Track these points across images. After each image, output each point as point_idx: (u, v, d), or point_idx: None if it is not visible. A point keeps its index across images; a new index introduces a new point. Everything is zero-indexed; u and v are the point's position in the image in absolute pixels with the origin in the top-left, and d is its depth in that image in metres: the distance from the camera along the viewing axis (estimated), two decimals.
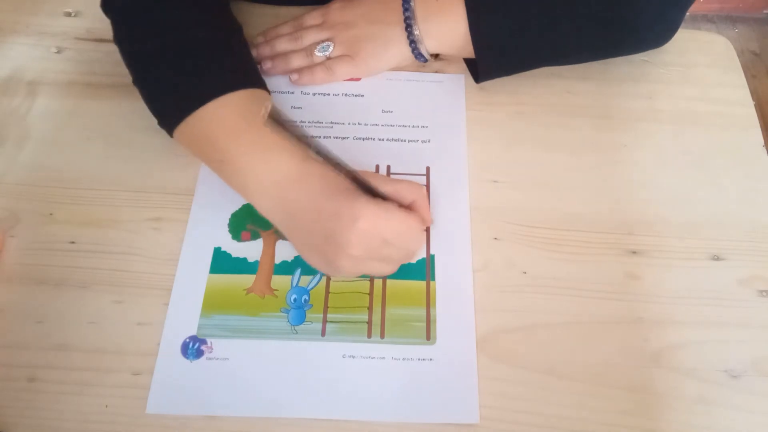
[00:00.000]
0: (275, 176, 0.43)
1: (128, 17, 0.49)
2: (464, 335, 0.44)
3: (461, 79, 0.57)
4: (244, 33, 0.54)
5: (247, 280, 0.46)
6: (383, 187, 0.43)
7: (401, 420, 0.41)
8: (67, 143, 0.52)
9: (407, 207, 0.44)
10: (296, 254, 0.47)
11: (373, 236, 0.41)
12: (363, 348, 0.43)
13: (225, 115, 0.45)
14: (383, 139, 0.53)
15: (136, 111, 0.48)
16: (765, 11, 1.70)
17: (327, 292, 0.46)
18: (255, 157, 0.43)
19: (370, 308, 0.45)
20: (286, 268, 0.46)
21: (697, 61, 0.59)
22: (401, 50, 0.53)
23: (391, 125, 0.54)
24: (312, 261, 0.44)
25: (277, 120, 0.30)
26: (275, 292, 0.45)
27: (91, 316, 0.44)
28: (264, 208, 0.44)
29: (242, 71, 0.48)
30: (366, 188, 0.41)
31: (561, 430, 0.41)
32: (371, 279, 0.46)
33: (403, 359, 0.43)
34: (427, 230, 0.48)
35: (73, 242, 0.47)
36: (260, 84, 0.48)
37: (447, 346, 0.44)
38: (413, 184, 0.45)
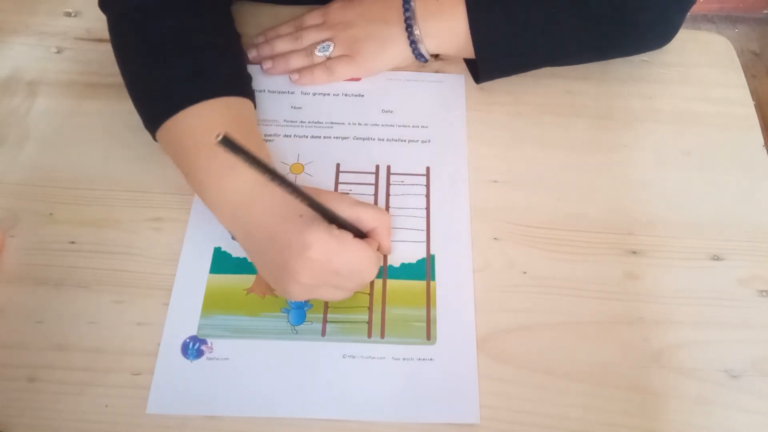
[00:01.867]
0: (231, 196, 0.42)
1: (121, 16, 0.49)
2: (464, 335, 0.44)
3: (461, 79, 0.57)
4: (240, 40, 0.54)
5: (248, 280, 0.46)
6: (343, 213, 0.42)
7: (401, 420, 0.41)
8: (67, 143, 0.52)
9: (367, 234, 0.43)
10: None
11: (322, 266, 0.40)
12: (363, 348, 0.43)
13: (198, 124, 0.44)
14: (383, 139, 0.53)
15: (136, 111, 0.48)
16: (765, 11, 1.70)
17: None
18: (213, 174, 0.43)
19: (370, 308, 0.45)
20: None
21: (697, 61, 0.59)
22: (401, 50, 0.53)
23: (391, 125, 0.54)
24: (268, 281, 0.44)
25: (231, 146, 0.29)
26: (275, 292, 0.45)
27: (91, 316, 0.44)
28: (222, 222, 0.44)
29: (225, 78, 0.48)
30: (324, 213, 0.40)
31: (561, 430, 0.41)
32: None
33: (404, 359, 0.43)
34: (385, 258, 0.47)
35: (73, 242, 0.47)
36: (244, 92, 0.48)
37: (447, 346, 0.44)
38: (376, 210, 0.44)
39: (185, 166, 0.45)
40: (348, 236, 0.41)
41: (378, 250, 0.44)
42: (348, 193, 0.50)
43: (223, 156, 0.42)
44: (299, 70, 0.55)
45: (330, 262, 0.40)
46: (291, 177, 0.49)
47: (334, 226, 0.41)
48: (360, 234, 0.43)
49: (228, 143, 0.29)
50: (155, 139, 0.47)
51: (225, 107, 0.46)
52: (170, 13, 0.48)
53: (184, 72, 0.46)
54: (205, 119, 0.45)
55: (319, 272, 0.40)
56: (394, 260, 0.47)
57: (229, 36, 0.52)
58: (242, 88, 0.49)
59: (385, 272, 0.46)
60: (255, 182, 0.42)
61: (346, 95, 0.55)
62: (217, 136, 0.28)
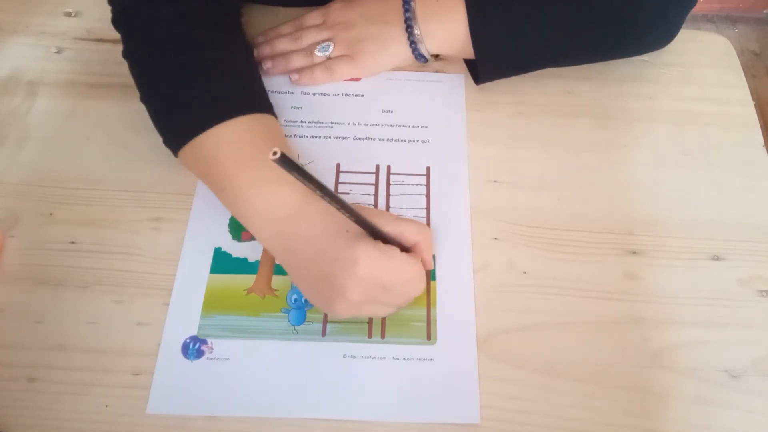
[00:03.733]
0: (275, 210, 0.42)
1: (139, 33, 0.49)
2: (464, 335, 0.44)
3: (461, 79, 0.57)
4: (252, 48, 0.54)
5: (248, 280, 0.46)
6: (386, 228, 0.41)
7: (402, 420, 0.41)
8: (67, 143, 0.52)
9: (410, 248, 0.43)
10: None
11: (372, 282, 0.40)
12: (363, 348, 0.43)
13: (230, 140, 0.44)
14: (383, 139, 0.53)
15: (136, 111, 0.48)
16: (765, 11, 1.70)
17: None
18: (256, 189, 0.43)
19: None
20: None
21: (697, 61, 0.59)
22: (401, 50, 0.53)
23: (391, 125, 0.54)
24: (310, 298, 0.43)
25: (287, 163, 0.29)
26: (276, 292, 0.45)
27: (91, 316, 0.44)
28: (263, 240, 0.44)
29: (251, 95, 0.48)
30: (369, 229, 0.40)
31: (561, 430, 0.41)
32: None
33: (404, 359, 0.43)
34: (427, 274, 0.46)
35: (73, 242, 0.47)
36: (268, 109, 0.48)
37: (447, 346, 0.44)
38: (418, 225, 0.44)
39: (218, 182, 0.44)
40: (395, 251, 0.41)
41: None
42: (348, 193, 0.50)
43: (262, 171, 0.42)
44: (299, 70, 0.55)
45: (379, 278, 0.40)
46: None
47: (379, 242, 0.40)
48: (403, 249, 0.43)
49: (285, 160, 0.29)
50: (176, 155, 0.47)
51: (256, 123, 0.46)
52: (186, 28, 0.48)
53: (212, 89, 0.46)
54: (243, 134, 0.44)
55: (368, 288, 0.40)
56: None
57: (246, 49, 0.52)
58: (267, 104, 0.49)
59: None
60: (300, 197, 0.42)
61: (346, 95, 0.55)
62: (274, 153, 0.28)
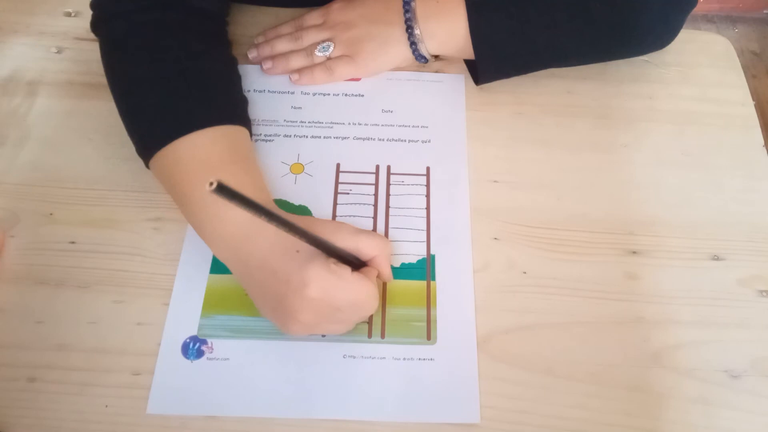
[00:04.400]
0: (230, 229, 0.41)
1: (115, 40, 0.49)
2: (465, 335, 0.44)
3: (461, 79, 0.57)
4: (236, 64, 0.53)
5: None
6: (342, 243, 0.41)
7: (402, 420, 0.41)
8: (67, 143, 0.52)
9: (367, 263, 0.43)
10: None
11: (322, 303, 0.39)
12: (363, 348, 0.43)
13: (189, 156, 0.44)
14: (383, 139, 0.53)
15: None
16: (765, 11, 1.70)
17: None
18: (210, 208, 0.42)
19: None
20: None
21: (697, 61, 0.59)
22: (401, 51, 0.53)
23: (391, 125, 0.54)
24: (266, 316, 0.43)
25: (225, 192, 0.29)
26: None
27: (91, 316, 0.44)
28: (219, 256, 0.43)
29: (219, 107, 0.47)
30: (322, 247, 0.39)
31: (561, 430, 0.41)
32: None
33: (404, 359, 0.43)
34: (385, 286, 0.46)
35: (73, 242, 0.47)
36: (238, 120, 0.47)
37: (447, 346, 0.44)
38: (376, 238, 0.43)
39: (179, 197, 0.44)
40: (346, 271, 0.40)
41: (378, 277, 0.44)
42: (348, 193, 0.50)
43: None
44: (299, 70, 0.55)
45: (330, 299, 0.39)
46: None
47: (332, 260, 0.40)
48: (361, 263, 0.43)
49: (222, 190, 0.28)
50: (147, 167, 0.46)
51: (220, 136, 0.45)
52: (164, 37, 0.48)
53: (177, 100, 0.45)
54: (199, 149, 0.44)
55: (319, 310, 0.39)
56: (395, 260, 0.47)
57: (224, 61, 0.52)
58: (237, 115, 0.48)
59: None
60: (251, 217, 0.41)
61: (346, 95, 0.55)
62: (211, 184, 0.27)
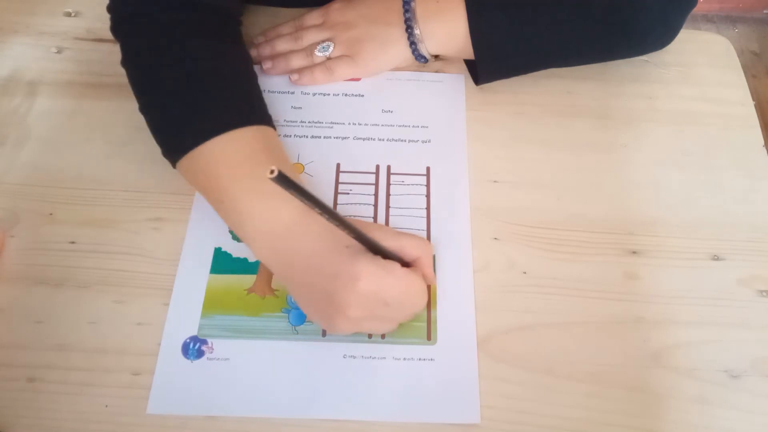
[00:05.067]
0: (274, 225, 0.41)
1: (138, 43, 0.48)
2: (465, 335, 0.44)
3: (461, 79, 0.57)
4: (251, 59, 0.53)
5: (248, 280, 0.46)
6: (386, 243, 0.41)
7: (402, 420, 0.41)
8: (67, 143, 0.52)
9: (411, 263, 0.43)
10: None
11: (372, 298, 0.39)
12: (364, 348, 0.43)
13: (229, 153, 0.43)
14: (383, 139, 0.53)
15: (136, 111, 0.48)
16: (765, 11, 1.70)
17: None
18: (255, 203, 0.42)
19: None
20: None
21: (697, 61, 0.59)
22: (401, 51, 0.53)
23: (391, 125, 0.54)
24: (309, 314, 0.43)
25: (285, 182, 0.29)
26: (276, 292, 0.45)
27: (91, 316, 0.44)
28: (260, 255, 0.43)
29: (249, 108, 0.47)
30: (369, 244, 0.40)
31: (561, 430, 0.41)
32: None
33: (404, 359, 0.43)
34: (430, 288, 0.45)
35: (73, 242, 0.47)
36: (267, 121, 0.47)
37: (448, 346, 0.44)
38: (418, 239, 0.44)
39: (216, 195, 0.44)
40: (396, 266, 0.40)
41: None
42: (348, 193, 0.50)
43: (259, 185, 0.41)
44: (299, 70, 0.55)
45: (380, 293, 0.39)
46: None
47: (379, 257, 0.40)
48: (404, 264, 0.42)
49: (282, 179, 0.28)
50: (174, 167, 0.46)
51: (254, 135, 0.45)
52: (187, 37, 0.47)
53: (210, 101, 0.45)
54: (241, 146, 0.44)
55: (369, 304, 0.39)
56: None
57: (247, 60, 0.52)
58: (266, 116, 0.48)
59: None
60: (298, 212, 0.41)
61: (346, 95, 0.55)
62: (272, 171, 0.27)
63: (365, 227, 0.40)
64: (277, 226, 0.41)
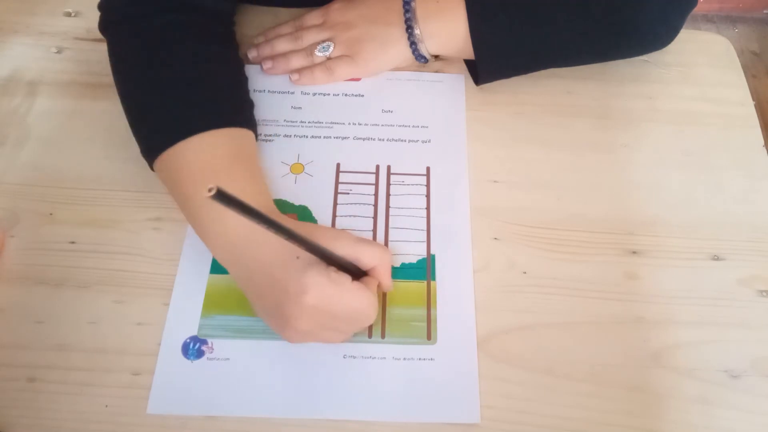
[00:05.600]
0: (231, 233, 0.41)
1: (124, 41, 0.48)
2: (465, 335, 0.44)
3: (461, 79, 0.57)
4: (243, 66, 0.53)
5: None
6: (341, 251, 0.40)
7: (402, 420, 0.41)
8: (67, 143, 0.52)
9: (367, 272, 0.43)
10: None
11: (320, 311, 0.39)
12: (364, 348, 0.43)
13: (193, 158, 0.43)
14: (383, 139, 0.53)
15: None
16: (765, 11, 1.70)
17: None
18: (213, 212, 0.41)
19: None
20: None
21: (697, 61, 0.59)
22: (401, 51, 0.53)
23: (391, 125, 0.54)
24: (264, 321, 0.43)
25: (224, 199, 0.28)
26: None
27: (91, 316, 0.44)
28: (220, 261, 0.43)
29: (224, 110, 0.47)
30: (322, 255, 0.39)
31: (561, 430, 0.41)
32: None
33: (404, 359, 0.43)
34: (384, 296, 0.45)
35: (73, 242, 0.47)
36: (244, 123, 0.47)
37: (448, 346, 0.44)
38: (376, 247, 0.43)
39: (181, 200, 0.44)
40: (346, 279, 0.40)
41: (378, 287, 0.43)
42: (348, 193, 0.50)
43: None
44: (299, 70, 0.55)
45: (328, 307, 0.39)
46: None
47: (332, 268, 0.39)
48: (360, 272, 0.43)
49: (221, 196, 0.28)
50: (152, 169, 0.46)
51: (226, 139, 0.45)
52: (171, 39, 0.47)
53: (183, 102, 0.45)
54: (202, 152, 0.44)
55: (317, 317, 0.39)
56: (395, 260, 0.47)
57: (231, 63, 0.51)
58: (243, 118, 0.48)
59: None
60: (251, 222, 0.41)
61: (346, 95, 0.55)
62: (210, 189, 0.27)
63: (320, 235, 0.39)
64: (233, 236, 0.41)
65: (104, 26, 0.50)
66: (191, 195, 0.43)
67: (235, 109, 0.48)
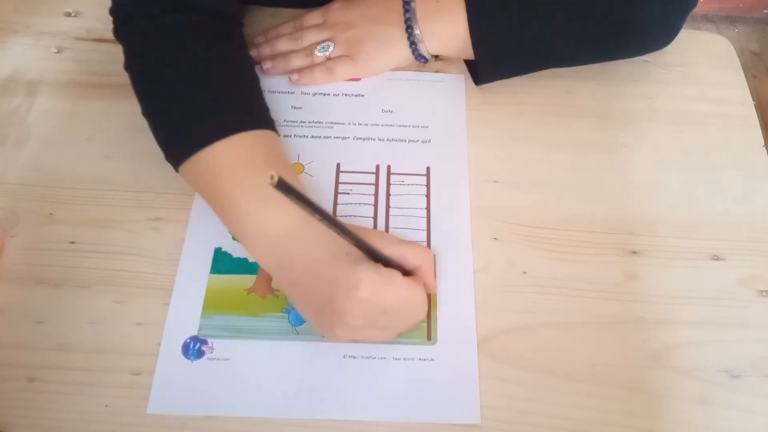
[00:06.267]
0: (275, 230, 0.41)
1: (141, 46, 0.48)
2: (465, 335, 0.44)
3: (461, 79, 0.57)
4: (253, 63, 0.53)
5: (248, 280, 0.46)
6: (388, 251, 0.40)
7: (402, 420, 0.41)
8: (67, 143, 0.52)
9: (412, 272, 0.43)
10: None
11: (372, 306, 0.39)
12: (364, 348, 0.43)
13: (230, 157, 0.43)
14: (383, 139, 0.53)
15: (136, 111, 0.48)
16: (765, 11, 1.70)
17: None
18: (256, 207, 0.42)
19: None
20: None
21: (697, 61, 0.59)
22: (401, 51, 0.53)
23: (391, 125, 0.54)
24: (308, 320, 0.43)
25: (285, 188, 0.29)
26: (276, 293, 0.45)
27: (91, 316, 0.44)
28: (260, 259, 0.43)
29: (252, 111, 0.47)
30: (369, 252, 0.39)
31: (561, 430, 0.41)
32: None
33: (404, 359, 0.43)
34: (430, 298, 0.45)
35: (73, 242, 0.47)
36: (269, 125, 0.47)
37: (448, 346, 0.44)
38: (420, 247, 0.43)
39: (218, 199, 0.44)
40: (397, 274, 0.40)
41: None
42: (348, 193, 0.50)
43: (261, 189, 0.41)
44: (299, 70, 0.55)
45: (379, 302, 0.39)
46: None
47: (380, 265, 0.40)
48: (405, 273, 0.42)
49: (282, 185, 0.28)
50: (176, 170, 0.46)
51: (257, 139, 0.45)
52: (191, 40, 0.47)
53: (212, 104, 0.45)
54: (240, 151, 0.44)
55: (368, 312, 0.39)
56: None
57: (250, 66, 0.52)
58: (269, 120, 0.48)
59: None
60: (299, 218, 0.40)
61: (346, 95, 0.55)
62: (272, 177, 0.27)
63: (366, 234, 0.39)
64: (278, 231, 0.41)
65: (118, 30, 0.49)
66: (230, 192, 0.42)
67: (261, 110, 0.48)
